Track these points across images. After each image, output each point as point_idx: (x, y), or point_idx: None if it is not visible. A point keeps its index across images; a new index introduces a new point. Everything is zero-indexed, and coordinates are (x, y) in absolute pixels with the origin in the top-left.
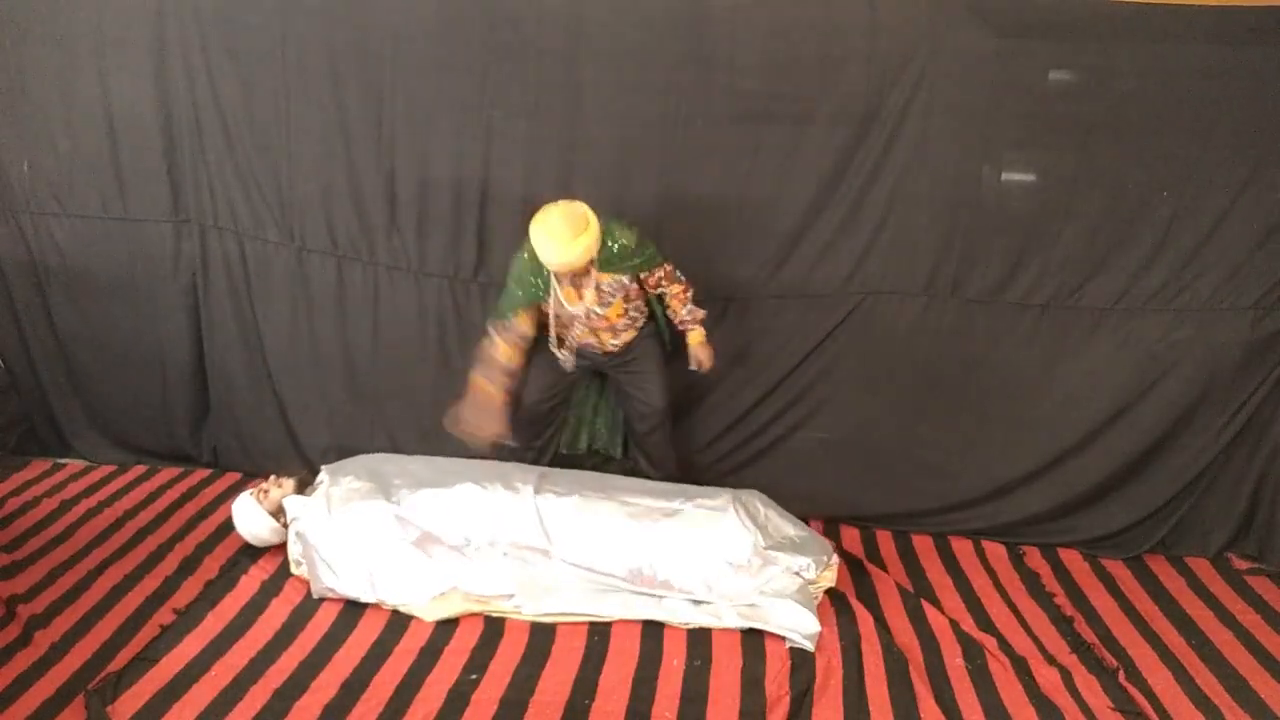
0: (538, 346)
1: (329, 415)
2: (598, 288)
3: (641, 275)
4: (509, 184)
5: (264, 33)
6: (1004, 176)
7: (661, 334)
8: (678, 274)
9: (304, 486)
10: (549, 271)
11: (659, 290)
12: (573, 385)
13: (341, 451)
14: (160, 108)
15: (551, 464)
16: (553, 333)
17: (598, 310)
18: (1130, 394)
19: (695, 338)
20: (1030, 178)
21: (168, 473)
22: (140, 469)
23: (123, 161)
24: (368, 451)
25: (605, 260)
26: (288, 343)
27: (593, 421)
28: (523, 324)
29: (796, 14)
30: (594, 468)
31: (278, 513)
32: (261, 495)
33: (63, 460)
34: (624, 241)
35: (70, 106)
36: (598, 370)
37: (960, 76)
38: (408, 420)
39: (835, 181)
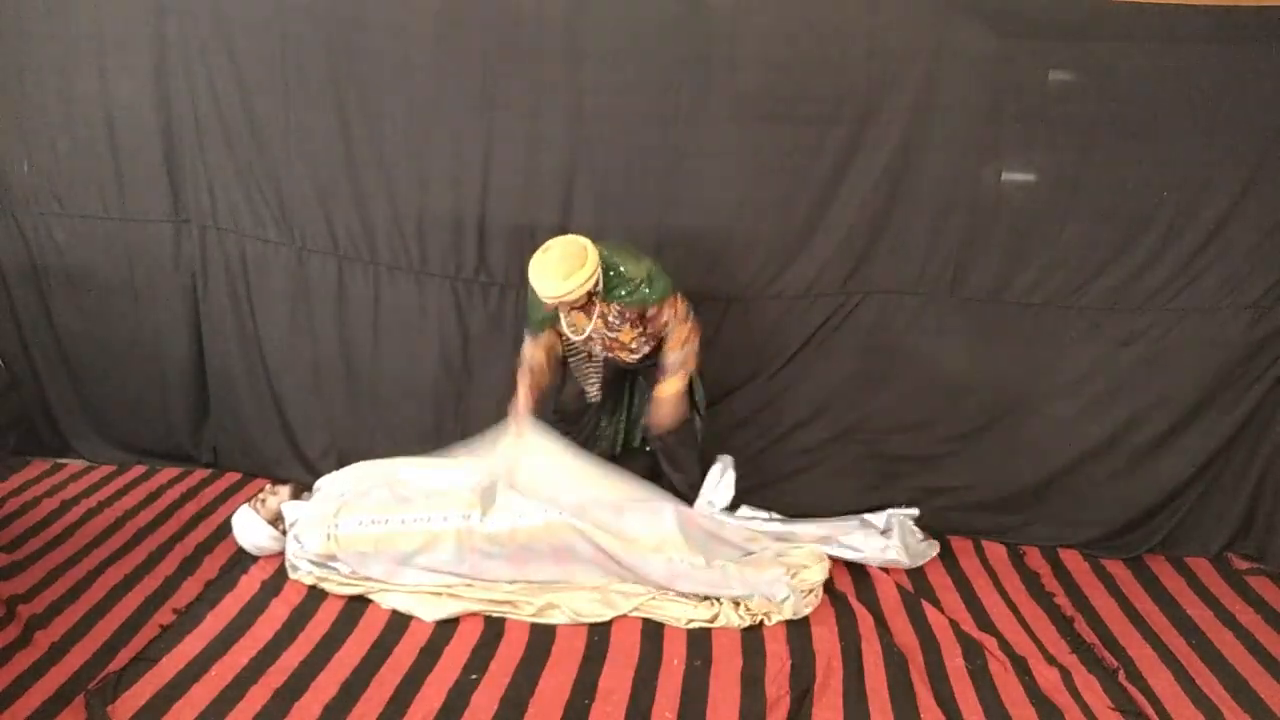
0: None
1: (329, 415)
2: (603, 317)
3: (648, 312)
4: (510, 183)
5: (264, 33)
6: (1004, 176)
7: None
8: (691, 313)
9: (300, 492)
10: None
11: (664, 330)
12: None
13: (341, 451)
14: (160, 108)
15: None
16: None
17: (609, 333)
18: (1130, 394)
19: (665, 388)
20: (1030, 178)
21: (168, 473)
22: (140, 469)
23: (122, 161)
24: (368, 452)
25: (607, 289)
26: (288, 342)
27: (619, 420)
28: (544, 345)
29: (797, 14)
30: (614, 459)
31: (276, 520)
32: (259, 505)
33: (63, 460)
34: (624, 269)
35: (70, 106)
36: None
37: (960, 76)
38: (408, 420)
39: (835, 181)
